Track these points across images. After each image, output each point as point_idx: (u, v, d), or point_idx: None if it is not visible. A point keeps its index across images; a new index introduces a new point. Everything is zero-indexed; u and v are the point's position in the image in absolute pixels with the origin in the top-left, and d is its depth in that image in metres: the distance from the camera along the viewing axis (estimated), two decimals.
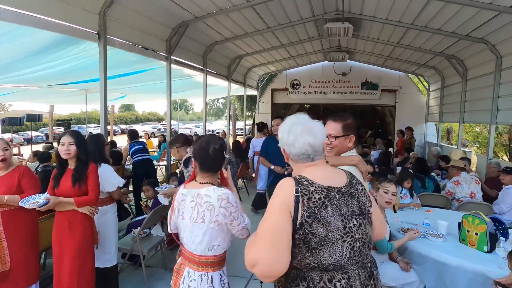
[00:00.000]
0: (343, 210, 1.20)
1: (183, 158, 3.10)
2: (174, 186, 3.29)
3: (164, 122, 35.56)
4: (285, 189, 1.19)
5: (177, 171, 3.35)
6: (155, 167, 7.05)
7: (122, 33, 4.45)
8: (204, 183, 1.68)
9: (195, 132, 24.92)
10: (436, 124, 10.16)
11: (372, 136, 13.87)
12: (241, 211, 1.69)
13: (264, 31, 7.12)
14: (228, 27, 6.56)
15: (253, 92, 12.05)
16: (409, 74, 10.56)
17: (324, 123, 1.86)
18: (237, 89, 10.55)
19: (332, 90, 11.21)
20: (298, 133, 1.27)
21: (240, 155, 7.08)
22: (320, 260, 1.17)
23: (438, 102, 9.14)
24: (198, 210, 1.61)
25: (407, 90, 10.65)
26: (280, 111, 12.93)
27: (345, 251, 1.19)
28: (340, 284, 1.18)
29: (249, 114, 22.35)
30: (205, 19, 5.81)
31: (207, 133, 9.79)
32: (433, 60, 8.08)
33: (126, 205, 4.54)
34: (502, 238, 2.69)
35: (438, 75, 8.72)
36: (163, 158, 7.99)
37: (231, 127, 11.78)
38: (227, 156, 2.34)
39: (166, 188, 3.24)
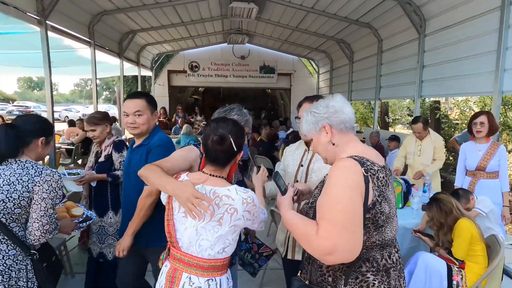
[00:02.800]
0: (391, 186, 1.29)
1: (111, 140, 2.63)
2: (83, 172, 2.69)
3: (17, 103, 29.00)
4: (354, 171, 1.16)
5: (90, 159, 2.79)
6: None
7: None
8: (215, 176, 1.43)
9: (66, 116, 21.68)
10: None
11: (265, 118, 14.86)
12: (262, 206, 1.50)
13: (164, 5, 6.60)
14: None
15: (148, 72, 11.15)
16: (302, 58, 11.64)
17: (299, 105, 1.98)
18: (129, 69, 9.55)
19: (233, 73, 11.39)
20: (342, 101, 1.32)
21: None
22: (384, 237, 1.21)
23: (327, 84, 10.43)
24: (214, 211, 1.34)
25: (300, 74, 11.75)
26: (176, 94, 12.44)
27: (396, 225, 1.28)
28: (395, 258, 1.26)
29: None
30: None
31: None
32: (324, 44, 9.12)
33: None
34: (416, 194, 3.32)
35: (327, 58, 9.92)
36: None
37: (118, 111, 10.60)
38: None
39: (78, 173, 2.65)
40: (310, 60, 11.60)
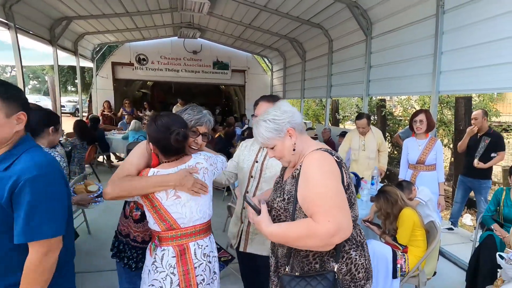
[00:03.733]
0: None
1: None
2: None
3: None
4: (328, 159, 1.31)
5: None
6: None
7: None
8: (179, 158, 1.70)
9: None
10: None
11: (219, 114, 14.85)
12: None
13: None
14: None
15: (88, 63, 10.44)
16: (255, 56, 11.78)
17: (256, 104, 2.03)
18: (66, 58, 8.83)
19: (184, 68, 11.15)
20: (290, 106, 1.48)
21: (85, 137, 6.08)
22: (355, 213, 1.38)
23: (281, 82, 10.69)
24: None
25: (254, 71, 11.89)
26: (122, 88, 11.88)
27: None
28: (362, 233, 1.47)
29: (73, 89, 19.23)
30: None
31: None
32: (277, 43, 9.33)
33: None
34: (365, 187, 3.58)
35: (280, 57, 10.17)
36: None
37: (53, 103, 9.82)
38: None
39: None
40: (264, 58, 11.79)
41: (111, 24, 8.54)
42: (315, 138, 6.66)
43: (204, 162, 1.70)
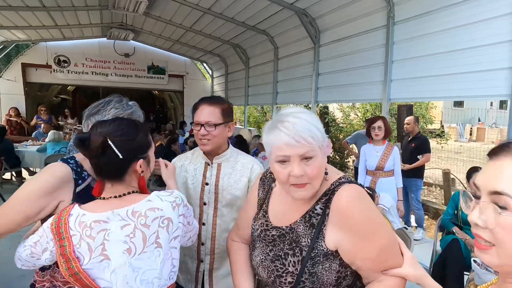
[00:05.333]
0: None
1: None
2: None
3: None
4: (364, 195, 1.04)
5: None
6: None
7: None
8: (121, 195, 1.11)
9: None
10: None
11: (154, 121, 14.03)
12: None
13: None
14: None
15: None
16: (194, 61, 11.38)
17: (195, 109, 1.62)
18: None
19: (115, 72, 10.25)
20: None
21: None
22: None
23: (223, 88, 10.47)
24: (144, 235, 1.06)
25: (194, 76, 11.48)
26: (36, 92, 10.44)
27: None
28: None
29: None
30: None
31: None
32: (219, 48, 9.10)
33: None
34: None
35: (222, 62, 9.95)
36: None
37: None
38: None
39: None
40: (203, 63, 11.46)
41: (20, 19, 7.34)
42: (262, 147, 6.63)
43: (167, 210, 1.10)
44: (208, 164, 1.65)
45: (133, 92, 13.42)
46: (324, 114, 8.76)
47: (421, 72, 3.79)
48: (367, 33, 4.56)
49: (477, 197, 0.65)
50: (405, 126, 4.84)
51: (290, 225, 1.05)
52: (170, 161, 1.64)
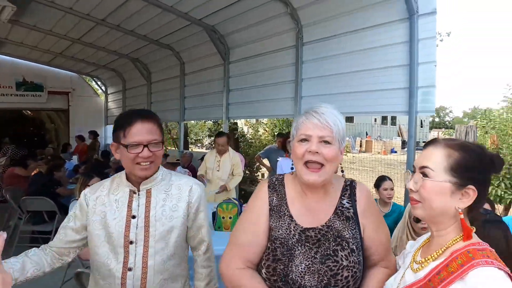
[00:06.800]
0: None
1: None
2: None
3: None
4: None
5: None
6: None
7: None
8: None
9: None
10: None
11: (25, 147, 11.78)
12: None
13: None
14: None
15: None
16: (84, 76, 10.18)
17: (126, 127, 1.30)
18: None
19: None
20: None
21: None
22: None
23: (120, 104, 9.61)
24: None
25: (83, 93, 10.24)
26: None
27: None
28: None
29: None
30: None
31: None
32: (115, 62, 8.35)
33: None
34: None
35: (118, 78, 9.16)
36: None
37: None
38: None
39: None
40: (94, 79, 10.34)
41: None
42: (177, 163, 6.27)
43: None
44: (134, 192, 1.35)
45: None
46: (233, 130, 8.86)
47: (330, 89, 4.19)
48: (277, 52, 4.84)
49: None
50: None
51: (326, 223, 1.12)
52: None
